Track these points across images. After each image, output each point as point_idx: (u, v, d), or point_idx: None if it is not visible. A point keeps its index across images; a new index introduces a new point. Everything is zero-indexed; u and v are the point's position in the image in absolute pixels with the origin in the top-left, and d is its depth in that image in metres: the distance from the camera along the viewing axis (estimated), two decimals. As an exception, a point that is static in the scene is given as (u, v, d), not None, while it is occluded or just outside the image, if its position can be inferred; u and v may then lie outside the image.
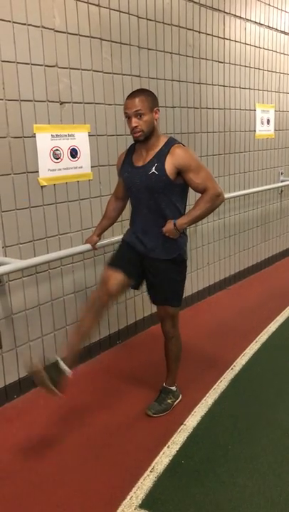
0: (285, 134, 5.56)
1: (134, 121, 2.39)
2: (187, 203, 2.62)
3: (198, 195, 2.51)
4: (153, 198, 2.50)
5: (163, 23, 3.66)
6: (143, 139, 2.44)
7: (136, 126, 2.40)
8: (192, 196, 2.61)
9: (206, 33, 4.11)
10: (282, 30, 5.21)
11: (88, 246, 2.96)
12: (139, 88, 2.70)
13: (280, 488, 2.14)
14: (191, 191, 2.58)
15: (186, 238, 2.64)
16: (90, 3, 3.07)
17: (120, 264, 2.60)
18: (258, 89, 4.95)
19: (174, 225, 2.47)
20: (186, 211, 2.58)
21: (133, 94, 2.45)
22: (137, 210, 2.61)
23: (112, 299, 2.60)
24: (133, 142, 2.60)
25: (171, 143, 2.49)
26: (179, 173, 2.45)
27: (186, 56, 3.94)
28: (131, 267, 2.61)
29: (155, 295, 2.72)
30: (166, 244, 2.55)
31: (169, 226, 2.48)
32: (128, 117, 2.42)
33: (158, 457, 2.37)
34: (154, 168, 2.45)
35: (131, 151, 2.62)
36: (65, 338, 3.23)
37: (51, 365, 2.36)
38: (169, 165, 2.43)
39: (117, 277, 2.55)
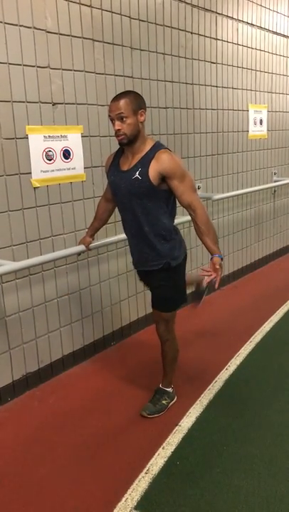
0: (277, 134, 5.57)
1: (117, 125, 2.35)
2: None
3: None
4: (136, 204, 2.45)
5: (155, 23, 3.66)
6: (126, 142, 2.39)
7: (118, 130, 2.35)
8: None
9: (198, 34, 4.11)
10: (275, 30, 5.22)
11: (82, 247, 2.95)
12: (125, 90, 2.65)
13: (275, 488, 2.15)
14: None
15: (173, 243, 2.56)
16: (82, 4, 3.06)
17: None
18: (251, 90, 4.96)
19: (219, 258, 2.43)
20: (174, 218, 2.58)
21: (117, 97, 2.39)
22: (123, 216, 2.59)
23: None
24: None
25: (157, 148, 2.43)
26: (164, 179, 2.39)
27: (179, 57, 3.94)
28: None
29: (152, 298, 2.72)
30: (150, 254, 2.53)
31: (217, 262, 2.42)
32: (111, 120, 2.39)
33: (153, 458, 2.36)
34: (137, 173, 2.40)
35: (119, 154, 2.57)
36: (59, 339, 3.22)
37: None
38: (153, 170, 2.37)
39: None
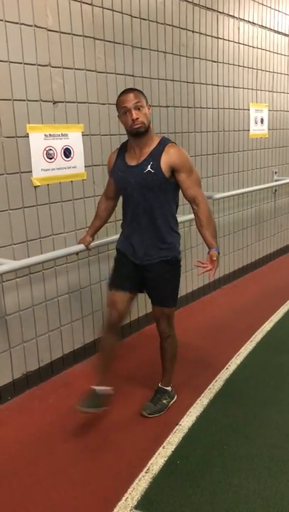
0: (278, 133, 5.57)
1: (135, 114, 2.39)
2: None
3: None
4: (148, 197, 2.48)
5: (156, 22, 3.65)
6: (144, 130, 2.43)
7: (137, 118, 2.39)
8: (181, 197, 2.60)
9: (199, 33, 4.11)
10: (276, 29, 5.21)
11: (82, 246, 2.95)
12: (129, 87, 2.67)
13: (276, 488, 2.14)
14: (179, 192, 2.59)
15: (178, 237, 2.65)
16: (83, 2, 3.06)
17: (121, 284, 2.65)
18: (252, 89, 4.95)
19: (216, 252, 2.49)
20: (176, 212, 2.63)
21: (127, 91, 2.46)
22: (132, 212, 2.58)
23: (123, 318, 2.73)
24: (123, 142, 2.59)
25: (165, 142, 2.50)
26: (172, 172, 2.46)
27: (180, 55, 3.93)
28: (130, 281, 2.64)
29: (152, 296, 2.72)
30: (160, 247, 2.55)
31: (214, 255, 2.48)
32: (126, 112, 2.40)
33: (153, 458, 2.36)
34: (149, 166, 2.44)
35: (122, 150, 2.60)
36: (60, 338, 3.22)
37: (91, 396, 2.60)
38: (164, 163, 2.43)
39: (121, 298, 2.64)
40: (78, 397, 2.60)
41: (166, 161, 2.44)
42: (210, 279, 2.58)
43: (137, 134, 2.44)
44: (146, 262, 2.59)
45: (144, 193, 2.49)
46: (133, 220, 2.59)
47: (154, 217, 2.52)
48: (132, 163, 2.51)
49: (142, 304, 3.85)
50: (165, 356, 2.79)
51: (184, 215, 3.98)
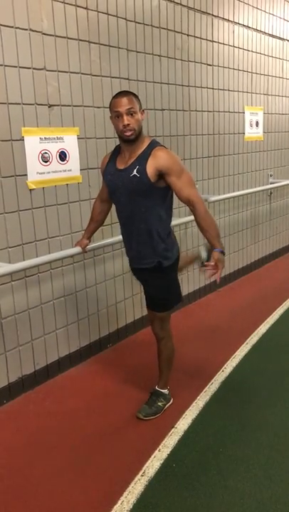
0: (273, 136, 5.59)
1: (127, 119, 2.36)
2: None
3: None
4: (135, 202, 2.47)
5: (151, 25, 3.67)
6: (134, 137, 2.41)
7: (128, 124, 2.37)
8: (177, 200, 2.59)
9: (194, 36, 4.12)
10: (270, 33, 5.24)
11: (78, 249, 2.95)
12: (124, 90, 2.66)
13: (271, 490, 2.14)
14: (175, 195, 2.58)
15: (169, 243, 2.58)
16: (78, 6, 3.07)
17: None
18: (247, 92, 4.97)
19: (219, 252, 2.41)
20: (171, 219, 2.60)
21: (121, 94, 2.42)
22: (121, 215, 2.59)
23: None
24: (117, 144, 2.60)
25: (153, 145, 2.46)
26: (161, 176, 2.41)
27: (175, 59, 3.94)
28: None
29: (147, 299, 2.73)
30: (148, 252, 2.54)
31: (220, 259, 2.40)
32: (118, 116, 2.39)
33: (149, 461, 2.36)
34: (135, 170, 2.41)
35: (115, 154, 2.59)
36: (55, 342, 3.22)
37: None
38: (151, 167, 2.39)
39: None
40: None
41: (152, 164, 2.39)
42: (217, 283, 2.48)
43: (128, 141, 2.43)
44: (135, 266, 2.60)
45: (130, 197, 2.47)
46: (123, 224, 2.60)
47: (141, 222, 2.49)
48: (121, 166, 2.50)
49: (138, 307, 3.85)
50: (160, 358, 2.79)
51: (180, 218, 3.99)
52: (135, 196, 2.45)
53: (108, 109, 2.48)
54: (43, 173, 2.98)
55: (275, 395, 2.93)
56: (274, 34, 5.31)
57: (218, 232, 2.47)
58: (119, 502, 2.10)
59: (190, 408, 2.79)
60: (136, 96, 2.45)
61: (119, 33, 3.40)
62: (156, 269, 2.56)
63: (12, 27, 2.70)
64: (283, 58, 5.58)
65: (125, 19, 3.43)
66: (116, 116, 2.40)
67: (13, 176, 2.82)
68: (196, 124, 4.27)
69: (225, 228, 4.89)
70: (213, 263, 2.39)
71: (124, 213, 2.56)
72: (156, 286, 2.63)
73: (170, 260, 2.58)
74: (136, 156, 2.45)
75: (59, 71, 2.99)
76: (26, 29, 2.77)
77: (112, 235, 3.35)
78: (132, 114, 2.37)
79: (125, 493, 2.15)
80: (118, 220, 2.65)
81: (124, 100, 2.37)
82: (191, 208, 2.47)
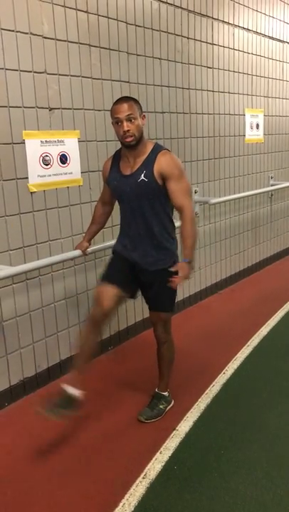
0: (274, 138, 5.59)
1: (127, 125, 2.39)
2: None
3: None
4: (144, 205, 2.49)
5: (151, 29, 3.68)
6: (134, 143, 2.44)
7: (128, 130, 2.39)
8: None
9: (194, 39, 4.13)
10: (270, 35, 5.25)
11: (79, 252, 2.95)
12: (124, 96, 2.69)
13: (273, 492, 2.14)
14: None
15: (175, 243, 2.64)
16: (79, 10, 3.08)
17: (113, 278, 2.58)
18: (247, 94, 4.98)
19: (188, 262, 2.43)
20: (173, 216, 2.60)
21: (121, 100, 2.46)
22: (129, 219, 2.59)
23: (108, 316, 2.59)
24: (118, 149, 2.61)
25: (157, 149, 2.50)
26: (164, 179, 2.46)
27: (175, 62, 3.95)
28: (124, 277, 2.60)
29: (148, 301, 2.73)
30: (158, 254, 2.55)
31: (183, 268, 2.42)
32: (118, 122, 2.42)
33: (150, 463, 2.36)
34: (142, 175, 2.45)
35: (117, 159, 2.61)
36: (57, 344, 3.22)
37: (61, 398, 2.44)
38: (156, 171, 2.44)
39: (110, 293, 2.53)
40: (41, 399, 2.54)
41: (157, 168, 2.44)
42: (172, 288, 2.51)
43: (129, 146, 2.46)
44: (144, 267, 2.59)
45: (139, 202, 2.50)
46: (130, 227, 2.59)
47: (151, 225, 2.52)
48: (127, 172, 2.52)
49: (139, 309, 3.85)
50: (162, 361, 2.79)
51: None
52: (146, 200, 2.48)
53: (109, 113, 2.50)
54: (44, 176, 2.99)
55: (276, 397, 2.93)
56: (274, 36, 5.32)
57: (195, 244, 2.50)
58: (121, 504, 2.10)
59: (191, 410, 2.79)
60: (136, 101, 2.47)
61: (120, 36, 3.41)
62: (167, 269, 2.55)
63: (13, 31, 2.71)
64: (283, 60, 5.60)
65: (125, 22, 3.44)
66: (116, 122, 2.43)
67: (14, 179, 2.82)
68: (196, 127, 4.28)
69: (226, 230, 4.90)
70: (174, 269, 2.44)
71: (133, 217, 2.56)
72: (165, 287, 2.56)
73: (178, 259, 2.62)
74: (141, 161, 2.48)
75: (60, 74, 3.01)
76: (27, 33, 2.78)
77: (112, 237, 3.35)
78: (131, 120, 2.40)
79: (126, 496, 2.15)
80: (122, 224, 2.66)
81: (124, 106, 2.39)
82: (180, 214, 2.49)
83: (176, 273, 2.50)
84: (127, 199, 2.55)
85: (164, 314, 2.69)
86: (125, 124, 2.39)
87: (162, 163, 2.44)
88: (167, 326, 2.72)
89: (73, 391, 2.45)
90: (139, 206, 2.51)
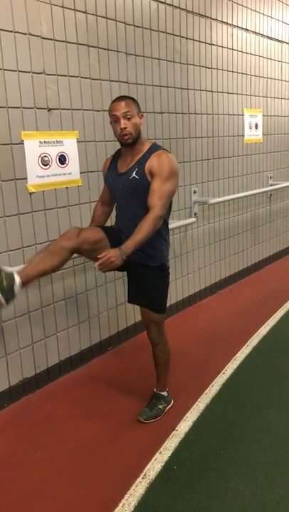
0: (273, 138, 5.60)
1: (124, 123, 2.39)
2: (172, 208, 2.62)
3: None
4: (136, 203, 2.49)
5: (150, 29, 3.68)
6: (131, 141, 2.44)
7: (125, 128, 2.40)
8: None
9: (193, 39, 4.13)
10: (269, 35, 5.25)
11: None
12: (122, 95, 2.70)
13: (273, 492, 2.14)
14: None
15: (167, 244, 2.63)
16: (77, 10, 3.08)
17: (102, 228, 2.52)
18: (246, 95, 4.98)
19: (120, 249, 2.27)
20: (169, 219, 2.60)
21: (120, 98, 2.47)
22: (122, 217, 2.60)
23: (80, 247, 2.35)
24: (119, 148, 2.61)
25: (154, 148, 2.50)
26: (152, 176, 2.42)
27: (174, 62, 3.95)
28: (113, 234, 2.49)
29: (136, 296, 2.71)
30: (149, 252, 2.54)
31: (114, 252, 2.26)
32: (116, 120, 2.42)
33: (150, 463, 2.36)
34: (134, 172, 2.46)
35: (116, 158, 2.62)
36: (56, 345, 3.22)
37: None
38: (147, 168, 2.44)
39: (94, 229, 2.46)
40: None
41: (148, 166, 2.43)
42: (95, 267, 2.27)
43: (126, 144, 2.47)
44: (135, 259, 2.47)
45: (131, 200, 2.50)
46: (123, 225, 2.59)
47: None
48: (122, 170, 2.54)
49: (138, 310, 3.84)
50: (157, 363, 2.79)
51: (180, 220, 4.00)
52: (136, 198, 2.48)
53: (107, 112, 2.50)
54: (43, 176, 2.99)
55: (276, 397, 2.93)
56: (272, 36, 5.33)
57: (141, 242, 2.33)
58: (121, 505, 2.10)
59: (191, 410, 2.79)
60: (134, 100, 2.48)
61: (118, 37, 3.41)
62: (159, 269, 2.59)
63: (11, 31, 2.71)
64: (282, 60, 5.60)
65: (124, 23, 3.45)
66: (114, 120, 2.44)
67: (13, 180, 2.82)
68: (195, 127, 4.28)
69: (225, 230, 4.90)
70: (105, 253, 2.25)
71: (126, 216, 2.57)
72: (155, 286, 2.61)
73: (168, 261, 2.62)
74: (137, 159, 2.48)
75: (58, 75, 3.01)
76: (25, 33, 2.78)
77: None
78: (128, 118, 2.40)
79: (126, 496, 2.15)
80: (117, 222, 2.66)
81: (122, 104, 2.40)
82: (148, 212, 2.38)
83: (163, 274, 2.54)
84: (119, 197, 2.56)
85: (155, 316, 2.67)
86: (122, 121, 2.39)
87: (154, 162, 2.43)
88: (160, 329, 2.71)
89: (17, 278, 2.21)
90: (131, 204, 2.51)
